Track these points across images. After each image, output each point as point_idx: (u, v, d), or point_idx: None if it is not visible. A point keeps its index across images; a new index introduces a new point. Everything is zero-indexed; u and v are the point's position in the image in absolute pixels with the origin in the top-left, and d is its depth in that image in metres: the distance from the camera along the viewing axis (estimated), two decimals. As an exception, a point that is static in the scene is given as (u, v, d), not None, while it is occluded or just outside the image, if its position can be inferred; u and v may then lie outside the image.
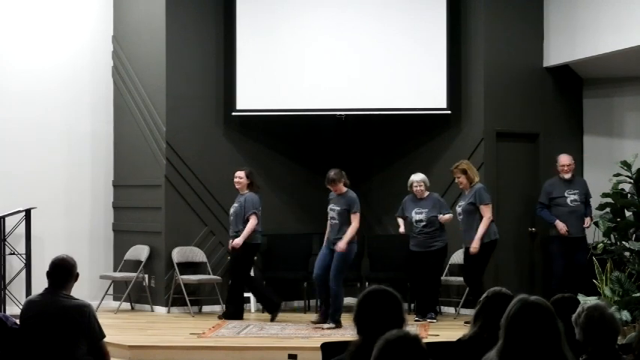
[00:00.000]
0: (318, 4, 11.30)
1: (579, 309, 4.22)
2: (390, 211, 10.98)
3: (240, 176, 10.30)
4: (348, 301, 11.58)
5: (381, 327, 3.40)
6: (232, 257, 10.34)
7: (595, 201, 10.01)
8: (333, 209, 9.63)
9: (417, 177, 10.27)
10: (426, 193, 10.25)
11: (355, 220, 9.52)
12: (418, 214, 10.17)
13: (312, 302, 10.86)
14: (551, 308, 3.54)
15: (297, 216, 11.68)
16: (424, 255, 10.12)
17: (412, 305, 10.51)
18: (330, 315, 9.54)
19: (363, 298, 3.73)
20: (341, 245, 9.43)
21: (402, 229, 10.29)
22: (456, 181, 10.00)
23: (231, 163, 11.37)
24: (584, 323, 4.12)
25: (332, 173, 9.63)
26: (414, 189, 10.23)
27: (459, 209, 9.96)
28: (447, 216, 10.11)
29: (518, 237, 10.89)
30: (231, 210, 10.30)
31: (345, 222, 9.53)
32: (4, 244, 10.52)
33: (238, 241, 10.08)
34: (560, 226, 10.31)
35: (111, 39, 11.68)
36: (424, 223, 10.13)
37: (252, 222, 10.13)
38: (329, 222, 9.69)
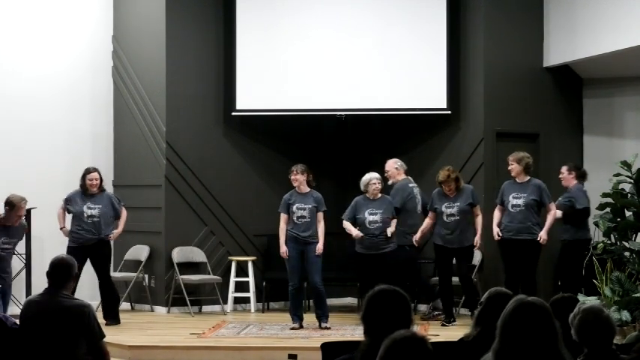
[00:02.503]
0: (317, 4, 11.31)
1: (575, 310, 4.22)
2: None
3: (96, 178, 9.99)
4: (348, 301, 11.60)
5: (389, 327, 3.39)
6: (105, 257, 10.09)
7: (595, 201, 10.00)
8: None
9: (375, 174, 9.92)
10: (379, 195, 9.92)
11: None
12: (372, 215, 9.79)
13: (312, 302, 10.85)
14: (547, 308, 3.53)
15: (297, 216, 11.67)
16: (374, 258, 9.74)
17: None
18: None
19: (371, 298, 3.71)
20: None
21: (356, 233, 9.78)
22: (449, 185, 9.74)
23: (231, 163, 11.39)
24: (579, 325, 4.11)
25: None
26: (371, 187, 9.81)
27: (450, 210, 9.76)
28: (391, 229, 9.80)
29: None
30: (91, 212, 9.91)
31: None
32: (4, 244, 10.52)
33: (115, 235, 10.07)
34: None
35: (111, 39, 11.69)
36: (379, 224, 9.77)
37: (126, 214, 10.14)
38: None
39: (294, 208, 9.57)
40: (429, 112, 11.17)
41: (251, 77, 11.24)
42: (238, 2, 11.19)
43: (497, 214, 9.73)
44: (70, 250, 9.68)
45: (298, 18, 11.29)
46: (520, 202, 9.56)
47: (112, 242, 10.20)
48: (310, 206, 9.57)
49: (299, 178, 9.59)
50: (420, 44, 11.12)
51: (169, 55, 11.10)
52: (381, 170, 10.71)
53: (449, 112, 11.09)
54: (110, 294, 10.00)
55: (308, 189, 9.66)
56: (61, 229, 10.08)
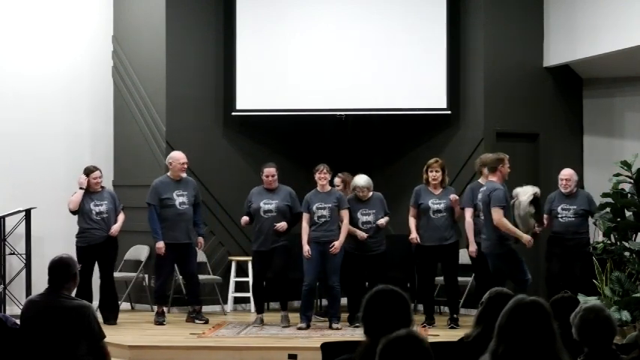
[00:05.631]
0: (317, 4, 11.31)
1: (577, 309, 4.22)
2: (390, 210, 10.95)
3: (100, 176, 9.96)
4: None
5: (389, 327, 3.39)
6: (114, 255, 10.06)
7: (595, 201, 9.99)
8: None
9: (362, 181, 9.76)
10: (370, 194, 9.81)
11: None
12: (365, 216, 9.74)
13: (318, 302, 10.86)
14: (547, 309, 3.48)
15: (297, 216, 11.67)
16: (364, 259, 9.67)
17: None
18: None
19: (370, 298, 3.71)
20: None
21: (362, 234, 9.67)
22: (434, 174, 9.64)
23: (231, 163, 11.39)
24: (579, 325, 4.11)
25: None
26: (359, 194, 9.71)
27: (437, 206, 9.65)
28: (384, 220, 9.74)
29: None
30: (99, 208, 9.87)
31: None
32: (4, 244, 10.52)
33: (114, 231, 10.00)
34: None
35: (111, 39, 11.69)
36: (371, 225, 9.68)
37: (123, 216, 10.13)
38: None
39: (314, 207, 9.57)
40: (428, 112, 11.17)
41: (251, 77, 11.25)
42: (238, 2, 11.19)
43: (470, 222, 9.47)
44: (79, 250, 9.72)
45: (298, 18, 11.29)
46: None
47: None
48: (330, 205, 9.52)
49: (327, 177, 9.58)
50: (420, 44, 11.12)
51: (169, 55, 11.10)
52: (380, 170, 10.74)
53: (449, 112, 11.09)
54: (111, 294, 9.98)
55: (329, 187, 9.67)
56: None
